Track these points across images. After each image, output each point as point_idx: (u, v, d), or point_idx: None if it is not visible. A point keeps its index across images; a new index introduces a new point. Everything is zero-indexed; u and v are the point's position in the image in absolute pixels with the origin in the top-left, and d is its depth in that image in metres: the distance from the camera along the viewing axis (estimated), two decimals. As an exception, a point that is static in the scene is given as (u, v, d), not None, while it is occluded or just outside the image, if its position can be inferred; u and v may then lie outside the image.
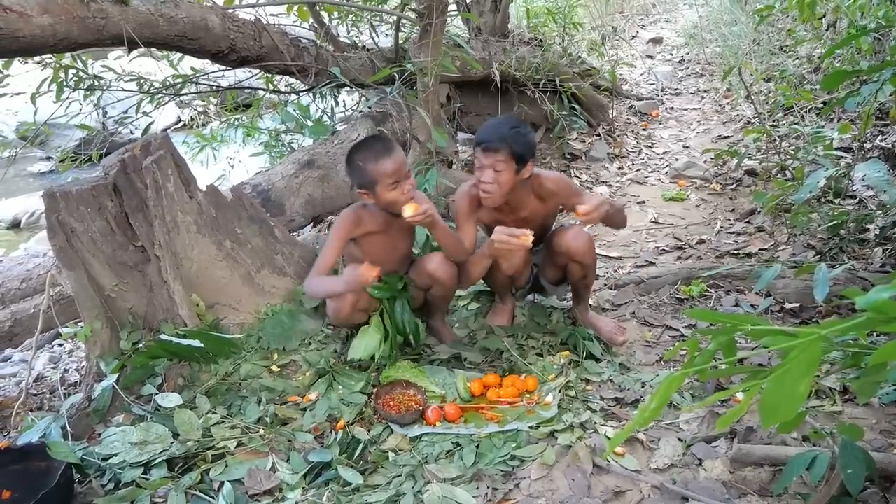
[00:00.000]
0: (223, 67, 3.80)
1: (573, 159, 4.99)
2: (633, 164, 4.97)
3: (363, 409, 2.29)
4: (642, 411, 0.85)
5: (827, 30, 5.27)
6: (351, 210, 2.49)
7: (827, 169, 2.89)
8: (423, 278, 2.54)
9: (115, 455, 2.05)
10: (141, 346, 2.38)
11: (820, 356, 0.81)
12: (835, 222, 2.99)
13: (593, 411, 2.21)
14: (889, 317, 0.82)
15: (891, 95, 3.22)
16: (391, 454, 2.07)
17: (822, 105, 4.52)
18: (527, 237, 2.23)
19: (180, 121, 8.31)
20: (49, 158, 7.48)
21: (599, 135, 5.32)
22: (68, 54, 3.28)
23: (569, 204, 2.54)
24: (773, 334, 0.96)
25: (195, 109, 5.99)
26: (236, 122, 4.57)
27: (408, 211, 2.26)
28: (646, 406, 0.85)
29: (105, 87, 3.64)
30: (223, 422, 2.22)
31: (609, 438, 2.03)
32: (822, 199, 3.41)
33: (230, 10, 3.37)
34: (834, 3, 4.83)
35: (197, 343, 2.27)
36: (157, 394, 2.30)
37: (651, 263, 3.39)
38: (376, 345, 2.41)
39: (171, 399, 2.26)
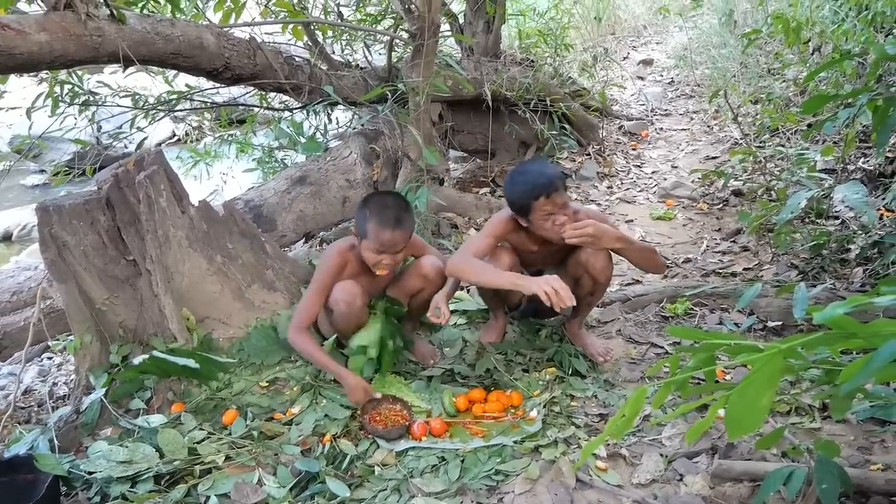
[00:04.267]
0: (218, 84, 3.85)
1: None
2: (622, 183, 5.03)
3: (349, 423, 2.31)
4: (613, 421, 0.88)
5: (812, 54, 5.38)
6: (335, 254, 2.52)
7: (809, 190, 2.95)
8: (413, 280, 2.59)
9: (101, 471, 2.06)
10: (131, 359, 2.40)
11: (781, 370, 0.85)
12: (816, 242, 3.05)
13: (577, 427, 2.23)
14: (846, 332, 0.86)
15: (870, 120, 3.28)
16: (377, 468, 2.09)
17: (807, 127, 4.59)
18: (567, 307, 2.17)
19: (174, 136, 8.35)
20: (42, 172, 7.50)
21: (589, 154, 5.38)
22: (64, 70, 3.32)
23: None
24: (748, 351, 1.00)
25: (189, 125, 6.04)
26: (230, 138, 4.62)
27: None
28: (617, 416, 0.88)
29: (100, 103, 3.68)
30: (209, 437, 2.23)
31: (593, 454, 2.06)
32: (806, 220, 3.47)
33: (225, 29, 3.42)
34: (819, 28, 4.94)
35: (192, 363, 2.27)
36: (144, 408, 2.32)
37: (637, 281, 3.43)
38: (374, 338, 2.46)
39: (155, 419, 2.26)
